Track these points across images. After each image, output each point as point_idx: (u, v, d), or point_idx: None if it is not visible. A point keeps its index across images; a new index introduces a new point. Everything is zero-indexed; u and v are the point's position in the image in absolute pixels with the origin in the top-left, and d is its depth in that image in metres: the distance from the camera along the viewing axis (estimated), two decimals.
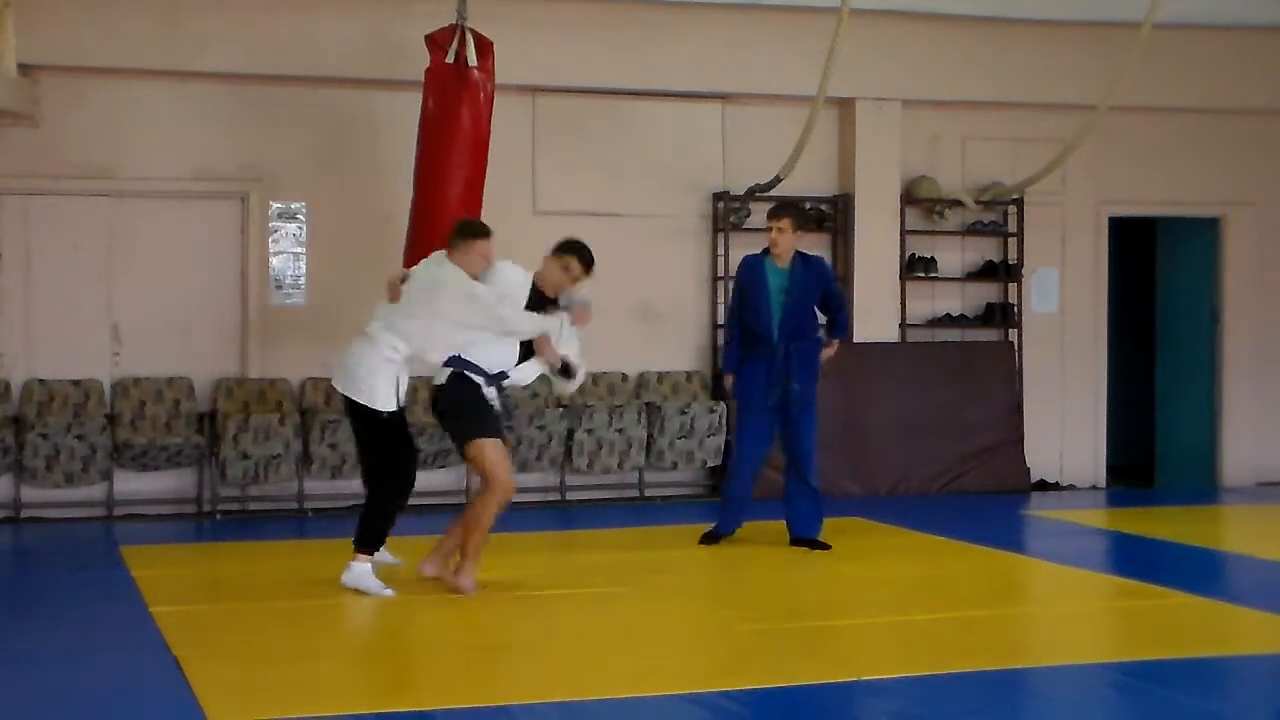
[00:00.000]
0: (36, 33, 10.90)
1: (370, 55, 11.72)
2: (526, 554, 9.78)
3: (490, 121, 10.61)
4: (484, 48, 10.53)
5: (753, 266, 9.98)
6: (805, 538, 9.84)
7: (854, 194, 12.85)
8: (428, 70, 10.53)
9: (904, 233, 13.00)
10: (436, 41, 10.51)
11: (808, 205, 12.86)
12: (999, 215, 13.28)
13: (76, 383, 11.39)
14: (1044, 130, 13.03)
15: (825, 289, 9.93)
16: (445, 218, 10.46)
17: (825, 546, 9.77)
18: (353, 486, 11.69)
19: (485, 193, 10.66)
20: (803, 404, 9.80)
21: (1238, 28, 13.28)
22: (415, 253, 10.59)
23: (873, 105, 12.87)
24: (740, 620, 7.76)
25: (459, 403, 8.22)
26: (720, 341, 12.12)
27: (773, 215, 9.96)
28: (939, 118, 13.15)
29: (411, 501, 11.74)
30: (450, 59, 10.45)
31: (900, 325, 13.00)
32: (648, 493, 12.38)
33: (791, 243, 9.80)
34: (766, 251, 9.89)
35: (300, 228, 11.89)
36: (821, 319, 10.04)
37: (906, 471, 12.83)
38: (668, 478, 12.44)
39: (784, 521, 9.98)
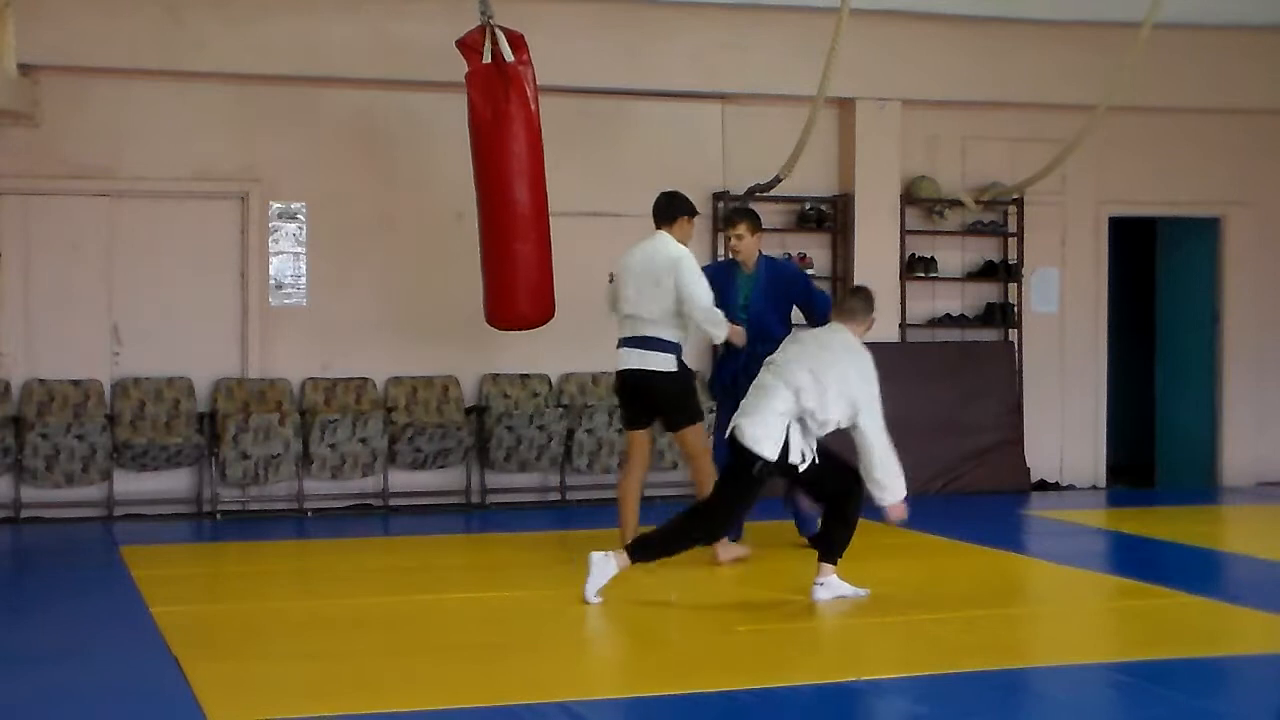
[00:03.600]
0: (36, 33, 10.89)
1: (370, 55, 11.72)
2: (527, 554, 9.79)
3: (539, 109, 10.53)
4: (516, 41, 10.47)
5: (723, 269, 9.94)
6: (814, 536, 9.82)
7: (854, 194, 12.85)
8: (468, 75, 10.42)
9: (904, 233, 13.00)
10: (469, 45, 10.40)
11: (807, 205, 12.88)
12: (999, 215, 13.28)
13: (76, 383, 11.39)
14: (1044, 130, 13.02)
15: (795, 287, 9.81)
16: (517, 216, 10.44)
17: None
18: (351, 486, 11.69)
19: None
20: None
21: (1238, 28, 13.27)
22: (492, 257, 10.53)
23: (873, 105, 12.87)
24: (740, 620, 7.75)
25: (686, 389, 9.26)
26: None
27: (729, 223, 9.96)
28: (939, 118, 13.15)
29: (414, 503, 11.79)
30: (487, 59, 10.38)
31: (900, 325, 12.99)
32: (648, 492, 12.27)
33: (753, 247, 9.74)
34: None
35: (300, 228, 11.89)
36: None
37: (906, 471, 12.74)
38: (667, 477, 12.42)
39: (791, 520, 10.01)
